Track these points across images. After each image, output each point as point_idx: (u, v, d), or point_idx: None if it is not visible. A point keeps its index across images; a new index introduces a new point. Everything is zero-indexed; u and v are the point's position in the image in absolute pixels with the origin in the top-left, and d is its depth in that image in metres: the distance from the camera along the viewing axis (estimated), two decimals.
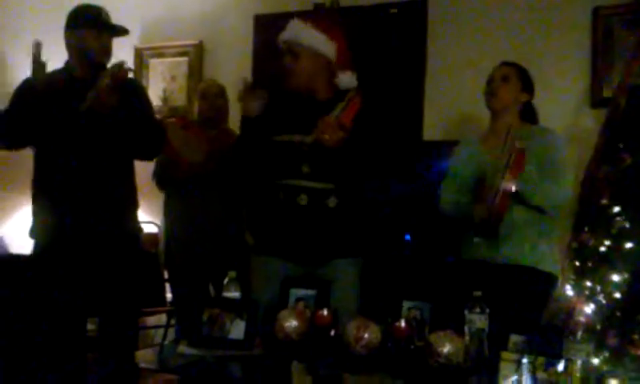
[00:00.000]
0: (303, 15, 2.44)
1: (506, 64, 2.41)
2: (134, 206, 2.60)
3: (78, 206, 2.41)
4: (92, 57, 2.44)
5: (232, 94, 3.24)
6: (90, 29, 2.43)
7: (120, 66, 2.32)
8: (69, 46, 2.49)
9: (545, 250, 2.29)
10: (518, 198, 2.20)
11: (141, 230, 2.64)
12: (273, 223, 2.32)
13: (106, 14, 2.51)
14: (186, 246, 3.09)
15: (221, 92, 3.22)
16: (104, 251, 2.43)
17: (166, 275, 3.67)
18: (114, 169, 2.49)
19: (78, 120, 2.35)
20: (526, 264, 2.25)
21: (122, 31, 2.52)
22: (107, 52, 2.47)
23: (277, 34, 2.37)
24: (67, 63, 2.52)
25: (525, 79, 2.39)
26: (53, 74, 2.60)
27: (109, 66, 2.43)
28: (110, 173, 2.47)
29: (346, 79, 2.34)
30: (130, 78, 2.50)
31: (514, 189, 2.13)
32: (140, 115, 2.48)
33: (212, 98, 3.18)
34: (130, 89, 2.44)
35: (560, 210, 2.31)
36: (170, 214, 3.20)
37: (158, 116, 3.07)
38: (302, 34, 2.29)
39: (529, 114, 2.42)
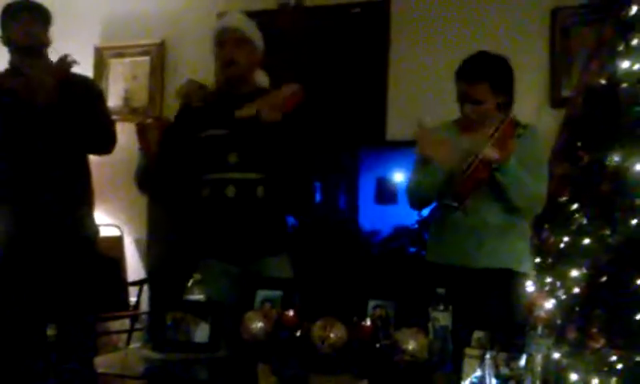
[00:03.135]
0: (262, 15, 2.46)
1: (472, 79, 2.13)
2: (89, 207, 2.56)
3: (28, 209, 2.38)
4: (19, 44, 2.44)
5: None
6: (9, 18, 2.47)
7: (63, 58, 2.37)
8: (5, 46, 2.51)
9: (519, 251, 2.23)
10: (497, 187, 2.14)
11: (97, 232, 2.60)
12: (202, 222, 2.32)
13: (24, 4, 2.49)
14: (167, 247, 3.03)
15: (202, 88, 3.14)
16: (57, 254, 2.40)
17: (130, 278, 3.62)
18: (66, 170, 2.46)
19: (27, 121, 2.35)
20: (501, 266, 2.18)
21: (40, 8, 2.50)
22: (29, 34, 2.45)
23: None
24: (8, 62, 2.52)
25: (498, 86, 2.15)
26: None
27: (53, 56, 2.45)
28: (62, 174, 2.44)
29: (262, 77, 2.38)
30: (79, 74, 2.52)
31: (496, 156, 2.07)
32: (86, 108, 2.46)
33: (193, 97, 3.09)
34: (81, 85, 2.47)
35: (536, 209, 2.22)
36: (154, 216, 3.13)
37: (116, 117, 3.01)
38: (248, 25, 2.32)
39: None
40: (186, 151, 2.32)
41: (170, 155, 2.35)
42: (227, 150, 2.25)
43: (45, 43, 2.48)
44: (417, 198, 2.32)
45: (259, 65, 2.37)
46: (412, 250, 3.09)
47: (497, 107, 2.17)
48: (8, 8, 2.49)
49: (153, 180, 2.90)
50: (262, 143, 2.20)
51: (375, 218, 3.27)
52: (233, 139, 2.25)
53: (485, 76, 2.13)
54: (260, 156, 2.23)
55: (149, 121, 3.13)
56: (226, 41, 2.29)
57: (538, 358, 1.63)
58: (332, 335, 1.84)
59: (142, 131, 2.77)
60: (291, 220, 2.51)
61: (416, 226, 2.94)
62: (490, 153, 2.08)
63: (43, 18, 2.49)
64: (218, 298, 2.12)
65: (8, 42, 2.48)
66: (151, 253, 3.15)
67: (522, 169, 2.13)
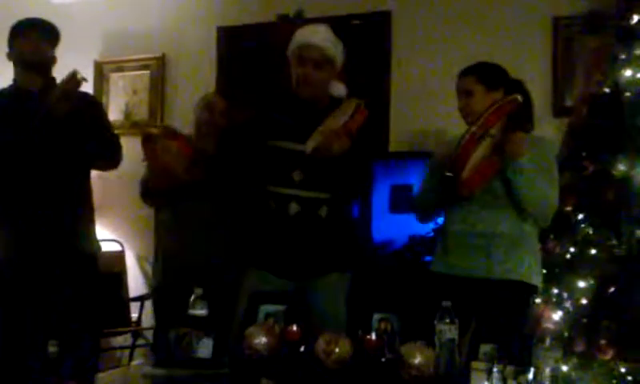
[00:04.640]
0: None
1: (463, 74, 2.28)
2: (90, 223, 2.55)
3: (30, 225, 2.37)
4: (25, 61, 2.46)
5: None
6: (18, 35, 2.49)
7: (72, 74, 2.35)
8: (12, 63, 2.52)
9: (529, 263, 2.20)
10: (509, 188, 2.12)
11: (99, 248, 2.58)
12: (263, 235, 2.27)
13: (32, 21, 2.51)
14: (176, 260, 2.98)
15: (226, 107, 3.09)
16: (59, 271, 2.39)
17: (132, 294, 3.58)
18: (68, 186, 2.45)
19: (29, 135, 2.34)
20: (510, 277, 2.15)
21: (48, 26, 2.51)
22: (37, 51, 2.46)
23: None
24: (13, 79, 2.53)
25: (486, 79, 2.24)
26: (2, 93, 2.56)
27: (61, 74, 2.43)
28: (63, 191, 2.44)
29: (340, 88, 2.32)
30: (85, 93, 2.53)
31: (492, 132, 2.07)
32: (93, 125, 2.47)
33: (217, 117, 3.04)
34: (84, 101, 2.47)
35: (547, 217, 2.20)
36: (161, 228, 3.09)
37: (117, 131, 2.99)
38: (330, 43, 2.22)
39: (521, 119, 2.25)
40: (252, 158, 2.27)
41: (236, 159, 2.31)
42: (292, 167, 2.20)
43: (51, 61, 2.51)
44: (421, 202, 2.34)
45: (337, 77, 2.29)
46: (417, 261, 3.06)
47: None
48: (18, 25, 2.52)
49: (156, 192, 2.89)
50: (325, 167, 2.15)
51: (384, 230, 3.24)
52: (298, 156, 2.18)
53: (472, 70, 2.28)
54: (325, 176, 2.18)
55: (154, 130, 3.11)
56: (306, 59, 2.21)
57: (547, 371, 1.62)
58: (337, 349, 1.82)
59: (147, 141, 2.75)
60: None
61: (431, 234, 2.89)
62: (479, 129, 2.09)
63: (51, 36, 2.51)
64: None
65: (15, 59, 2.49)
66: (158, 268, 3.10)
67: (535, 170, 2.12)
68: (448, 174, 2.12)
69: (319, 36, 2.24)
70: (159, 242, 3.09)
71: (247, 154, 2.27)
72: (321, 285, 2.21)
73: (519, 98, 2.14)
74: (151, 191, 2.94)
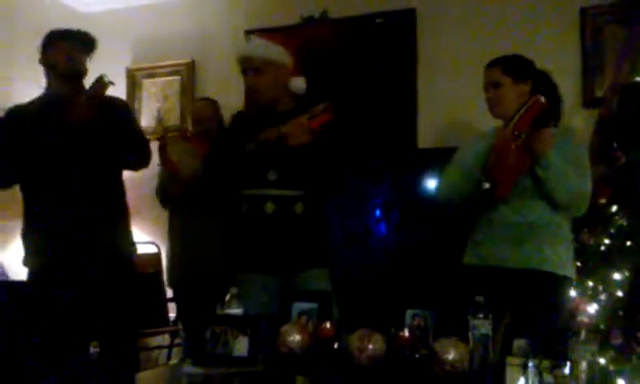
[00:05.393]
0: (287, 30, 2.48)
1: (490, 66, 2.30)
2: (126, 225, 2.59)
3: (67, 231, 2.41)
4: (62, 70, 2.48)
5: (225, 111, 3.25)
6: (52, 45, 2.51)
7: (100, 78, 2.41)
8: (45, 71, 2.55)
9: (561, 253, 2.19)
10: (536, 183, 2.12)
11: (135, 250, 2.63)
12: (241, 237, 2.35)
13: (70, 31, 2.54)
14: (189, 264, 3.07)
15: (213, 109, 3.20)
16: (97, 274, 2.43)
17: (169, 294, 3.65)
18: (103, 191, 2.50)
19: (62, 141, 2.39)
20: (542, 268, 2.15)
21: (83, 36, 2.54)
22: (73, 60, 2.49)
23: None
24: (45, 87, 2.56)
25: (513, 70, 2.25)
26: (33, 102, 2.59)
27: (89, 80, 2.49)
28: (98, 196, 2.47)
29: (299, 83, 2.39)
30: (113, 96, 2.56)
31: (522, 136, 2.07)
32: (123, 125, 2.52)
33: (205, 117, 3.15)
34: (112, 104, 2.52)
35: (580, 207, 2.18)
36: (172, 231, 3.18)
37: (152, 134, 3.06)
38: (263, 50, 2.34)
39: (546, 116, 2.23)
40: (231, 162, 2.36)
41: (217, 165, 2.41)
42: (267, 167, 2.29)
43: (84, 71, 2.53)
44: (448, 198, 2.34)
45: (294, 74, 2.37)
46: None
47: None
48: (53, 34, 2.54)
49: (174, 196, 2.96)
50: (297, 162, 2.24)
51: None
52: (271, 157, 2.28)
53: (499, 61, 2.30)
54: (298, 174, 2.27)
55: (170, 134, 3.18)
56: (246, 70, 2.35)
57: (583, 365, 1.60)
58: (370, 346, 1.83)
59: (162, 146, 2.81)
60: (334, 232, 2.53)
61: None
62: (516, 129, 2.08)
63: (88, 46, 2.54)
64: (258, 311, 2.14)
65: (50, 68, 2.52)
66: (173, 267, 3.17)
67: (564, 163, 2.10)
68: (486, 185, 2.12)
69: (248, 47, 2.38)
70: (172, 245, 3.16)
71: (226, 160, 2.37)
72: (302, 281, 2.27)
73: (541, 98, 2.11)
74: (169, 196, 3.02)
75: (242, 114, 2.56)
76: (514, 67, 2.26)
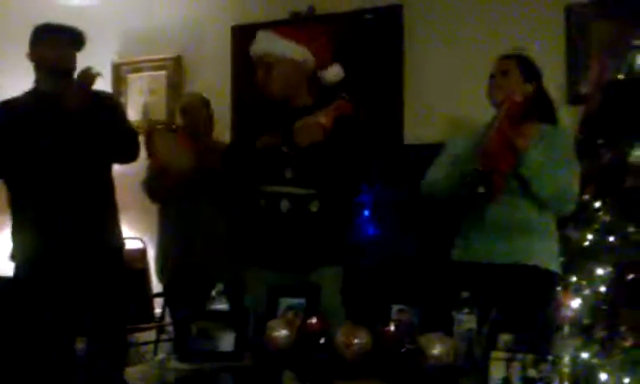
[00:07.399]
0: (274, 26, 2.46)
1: (505, 57, 2.33)
2: (115, 219, 2.58)
3: (55, 225, 2.40)
4: (51, 66, 2.47)
5: (212, 106, 3.24)
6: (43, 41, 2.48)
7: (87, 70, 2.40)
8: (33, 65, 2.52)
9: (550, 248, 2.22)
10: (522, 182, 2.13)
11: (123, 244, 2.62)
12: (256, 233, 2.34)
13: (59, 27, 2.52)
14: (181, 259, 3.05)
15: (203, 104, 3.19)
16: (85, 267, 2.42)
17: (155, 290, 3.64)
18: (92, 186, 2.48)
19: (51, 135, 2.38)
20: (531, 263, 2.17)
21: (72, 32, 2.52)
22: (65, 58, 2.48)
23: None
24: (34, 82, 2.54)
25: (526, 70, 2.29)
26: (22, 97, 2.58)
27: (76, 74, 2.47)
28: (87, 190, 2.46)
29: (331, 74, 2.36)
30: (100, 91, 2.55)
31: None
32: (111, 117, 2.50)
33: (195, 112, 3.14)
34: (99, 96, 2.51)
35: (566, 205, 2.20)
36: (162, 226, 3.16)
37: (138, 129, 3.04)
38: (270, 44, 2.31)
39: (544, 112, 2.31)
40: (247, 159, 2.33)
41: (235, 160, 2.38)
42: (283, 165, 2.26)
43: (73, 67, 2.51)
44: (436, 189, 2.33)
45: (310, 70, 2.33)
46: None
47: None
48: (43, 29, 2.51)
49: (162, 189, 2.94)
50: (313, 164, 2.22)
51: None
52: (288, 154, 2.25)
53: (514, 55, 2.33)
54: (313, 172, 2.24)
55: (158, 126, 3.17)
56: (257, 66, 2.32)
57: (566, 359, 1.61)
58: (356, 341, 1.84)
59: (149, 137, 2.80)
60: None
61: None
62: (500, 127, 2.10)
63: (76, 42, 2.52)
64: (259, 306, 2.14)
65: (39, 63, 2.50)
66: (165, 262, 3.16)
67: (549, 161, 2.12)
68: (481, 189, 2.11)
69: (258, 44, 2.35)
70: (162, 239, 3.15)
71: (244, 157, 2.35)
72: (316, 278, 2.25)
73: (516, 97, 2.14)
74: (156, 189, 3.01)
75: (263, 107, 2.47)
76: (527, 64, 2.31)
